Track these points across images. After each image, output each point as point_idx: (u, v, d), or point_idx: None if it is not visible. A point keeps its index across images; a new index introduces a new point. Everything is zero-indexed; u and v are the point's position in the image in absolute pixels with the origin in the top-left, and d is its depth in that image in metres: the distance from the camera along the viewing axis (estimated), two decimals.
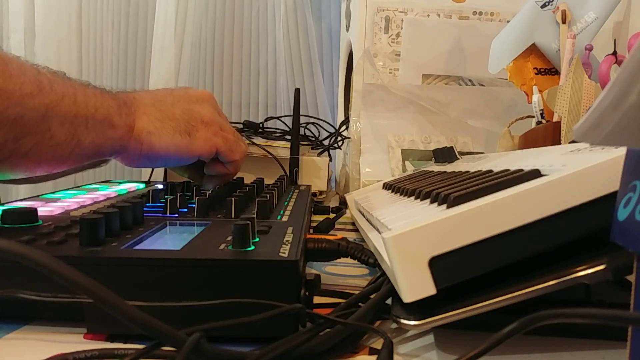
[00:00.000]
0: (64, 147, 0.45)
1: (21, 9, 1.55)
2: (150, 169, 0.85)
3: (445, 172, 0.54)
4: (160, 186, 0.65)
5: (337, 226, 0.64)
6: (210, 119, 0.57)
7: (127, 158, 0.53)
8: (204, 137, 0.55)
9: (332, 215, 0.67)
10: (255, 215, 0.40)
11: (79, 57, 1.59)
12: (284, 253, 0.31)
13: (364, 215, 0.53)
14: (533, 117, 0.65)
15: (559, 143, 0.60)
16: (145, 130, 0.52)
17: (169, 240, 0.39)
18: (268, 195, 0.49)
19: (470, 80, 0.92)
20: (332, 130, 1.06)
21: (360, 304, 0.32)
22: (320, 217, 0.64)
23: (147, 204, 0.51)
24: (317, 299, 0.34)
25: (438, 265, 0.26)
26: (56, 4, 1.54)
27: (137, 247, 0.33)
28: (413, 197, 0.44)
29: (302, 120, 1.01)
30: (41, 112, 0.43)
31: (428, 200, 0.37)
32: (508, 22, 0.73)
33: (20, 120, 0.42)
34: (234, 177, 0.65)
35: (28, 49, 1.55)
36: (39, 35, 1.54)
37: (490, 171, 0.40)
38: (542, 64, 0.69)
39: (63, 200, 0.52)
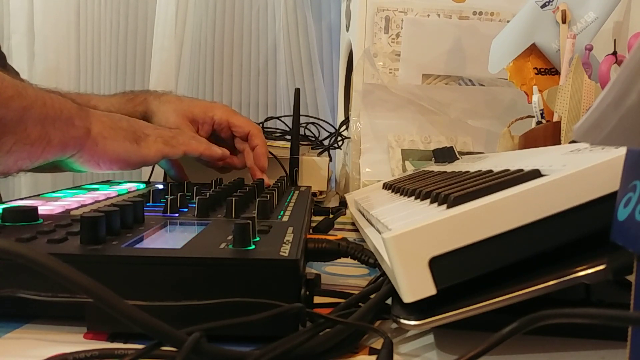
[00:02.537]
0: (37, 146, 0.51)
1: (22, 10, 1.54)
2: (150, 170, 0.85)
3: (445, 172, 0.54)
4: (160, 186, 0.65)
5: (337, 226, 0.63)
6: (150, 132, 0.66)
7: (81, 158, 0.58)
8: (148, 145, 0.64)
9: (332, 216, 0.67)
10: (255, 215, 0.40)
11: (77, 57, 1.59)
12: (285, 252, 0.31)
13: (364, 215, 0.53)
14: (533, 117, 0.65)
15: (559, 143, 0.60)
16: (101, 135, 0.58)
17: (170, 239, 0.39)
18: (268, 196, 0.49)
19: (470, 80, 0.92)
20: (332, 130, 1.06)
21: (360, 303, 0.32)
22: (320, 219, 0.63)
23: (148, 204, 0.51)
24: (317, 299, 0.34)
25: (438, 265, 0.26)
26: (54, 3, 1.54)
27: (137, 246, 0.33)
28: (413, 197, 0.44)
29: (302, 120, 1.01)
30: (20, 113, 0.48)
31: (428, 200, 0.37)
32: (508, 22, 0.73)
33: (3, 121, 0.47)
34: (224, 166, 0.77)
35: (29, 50, 1.55)
36: (37, 35, 1.54)
37: (490, 171, 0.40)
38: (542, 64, 0.69)
39: (63, 199, 0.52)
